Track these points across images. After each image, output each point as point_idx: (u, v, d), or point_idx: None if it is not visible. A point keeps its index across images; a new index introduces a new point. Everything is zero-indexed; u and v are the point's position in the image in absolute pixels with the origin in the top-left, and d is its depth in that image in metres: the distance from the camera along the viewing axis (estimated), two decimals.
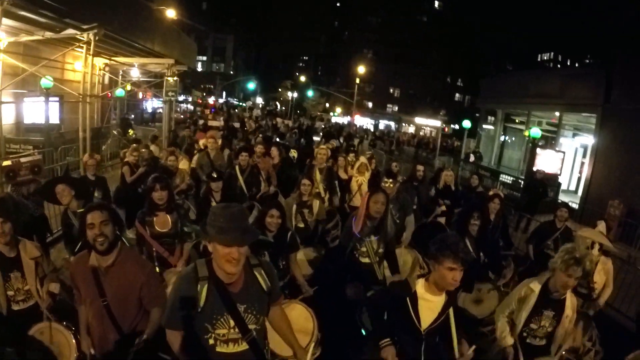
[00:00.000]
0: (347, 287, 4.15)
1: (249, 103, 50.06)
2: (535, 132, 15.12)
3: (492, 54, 32.15)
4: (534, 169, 14.02)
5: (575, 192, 16.82)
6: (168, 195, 4.41)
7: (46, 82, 10.39)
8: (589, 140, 15.94)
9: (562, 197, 15.21)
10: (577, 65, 23.22)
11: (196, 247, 4.59)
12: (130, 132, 16.10)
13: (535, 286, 3.34)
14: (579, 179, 16.96)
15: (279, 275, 3.86)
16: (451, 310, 2.80)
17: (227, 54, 62.09)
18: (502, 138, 22.71)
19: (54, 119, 12.56)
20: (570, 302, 3.31)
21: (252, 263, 2.43)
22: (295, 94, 47.16)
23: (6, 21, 7.97)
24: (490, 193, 6.79)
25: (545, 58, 29.57)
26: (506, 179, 16.93)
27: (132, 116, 22.22)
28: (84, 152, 10.22)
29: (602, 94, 14.15)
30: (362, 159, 7.62)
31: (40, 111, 11.53)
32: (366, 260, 4.30)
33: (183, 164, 7.27)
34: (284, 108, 52.65)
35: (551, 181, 14.62)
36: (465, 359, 2.76)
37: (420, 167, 7.21)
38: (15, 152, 9.79)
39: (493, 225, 5.91)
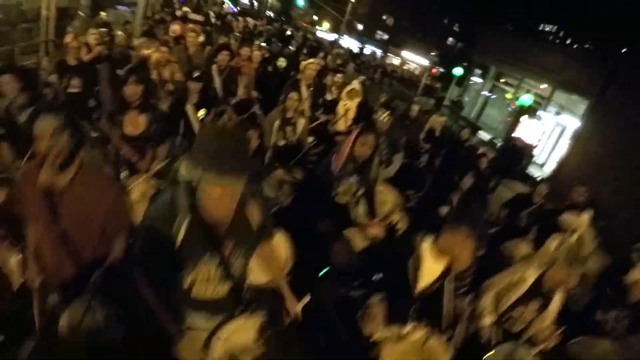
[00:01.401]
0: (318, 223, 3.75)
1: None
2: (525, 99, 14.93)
3: (494, 9, 31.06)
4: (514, 135, 14.01)
5: (543, 165, 16.90)
6: (143, 91, 3.78)
7: None
8: (571, 122, 15.96)
9: (531, 168, 15.39)
10: (575, 46, 22.63)
11: None
12: (102, 14, 14.46)
13: (530, 274, 3.12)
14: (551, 155, 17.01)
15: None
16: (448, 279, 2.60)
17: None
18: (487, 95, 22.41)
19: None
20: (559, 299, 3.14)
21: (244, 195, 1.93)
22: None
23: None
24: (479, 152, 6.56)
25: (546, 29, 28.56)
26: (484, 135, 16.95)
27: None
28: (45, 34, 9.10)
29: (601, 83, 13.94)
30: (355, 84, 7.02)
31: None
32: (343, 199, 3.87)
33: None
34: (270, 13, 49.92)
35: (527, 150, 14.75)
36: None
37: (415, 107, 6.77)
38: None
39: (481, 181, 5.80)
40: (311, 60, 7.03)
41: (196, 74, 4.77)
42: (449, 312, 2.63)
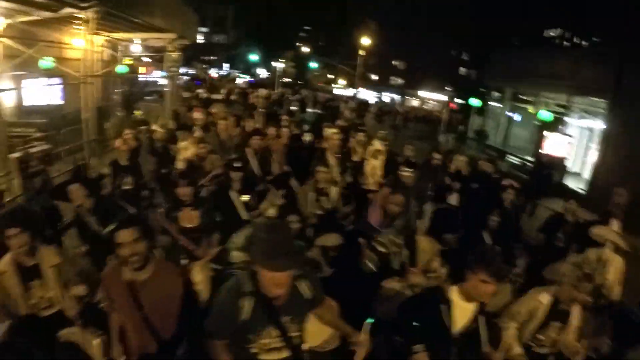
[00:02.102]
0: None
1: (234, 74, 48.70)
2: (545, 114, 14.87)
3: (498, 27, 31.18)
4: (541, 152, 13.96)
5: (579, 174, 16.74)
6: (193, 191, 4.48)
7: (45, 63, 10.28)
8: (597, 124, 15.71)
9: (567, 180, 15.29)
10: (584, 43, 22.40)
11: None
12: (136, 112, 15.78)
13: (544, 298, 3.38)
14: (584, 162, 16.83)
15: None
16: (481, 318, 2.84)
17: (228, 25, 60.86)
18: (509, 117, 22.37)
19: (56, 100, 12.47)
20: (577, 313, 3.34)
21: (295, 275, 2.42)
22: (281, 64, 45.86)
23: (2, 3, 7.82)
24: (505, 183, 6.84)
25: (552, 34, 28.44)
26: (513, 159, 16.83)
27: (134, 92, 21.83)
28: (87, 133, 10.11)
29: (614, 78, 13.71)
30: (377, 145, 7.57)
31: (42, 93, 11.48)
32: (382, 249, 4.20)
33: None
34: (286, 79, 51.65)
35: (558, 165, 14.62)
36: None
37: (437, 155, 7.19)
38: (18, 136, 9.74)
39: (507, 216, 5.95)
40: (334, 130, 7.64)
41: (236, 164, 5.38)
42: (486, 347, 2.85)
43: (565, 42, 26.26)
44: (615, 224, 5.14)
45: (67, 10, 8.98)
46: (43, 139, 10.28)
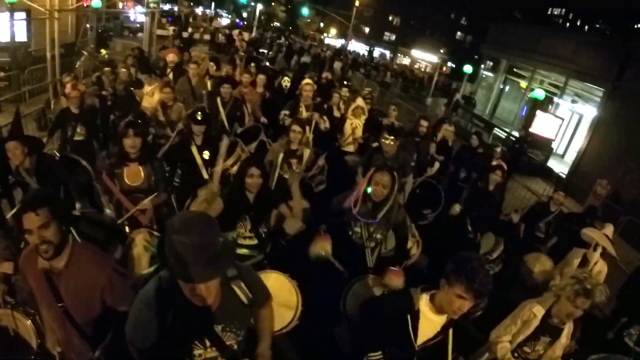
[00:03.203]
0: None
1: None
2: (539, 93, 14.60)
3: None
4: (530, 130, 13.81)
5: (562, 156, 16.58)
6: (142, 144, 3.81)
7: None
8: (588, 110, 15.51)
9: (552, 161, 15.07)
10: (586, 28, 22.05)
11: None
12: (103, 51, 14.67)
13: (539, 311, 3.20)
14: (569, 146, 16.75)
15: (261, 245, 3.62)
16: (450, 331, 2.45)
17: None
18: (501, 88, 21.97)
19: (21, 37, 11.48)
20: (568, 330, 3.21)
21: (229, 276, 2.03)
22: (260, 5, 43.53)
23: None
24: (493, 163, 6.41)
25: (555, 13, 28.01)
26: (499, 132, 16.64)
27: (110, 29, 20.50)
28: (52, 74, 9.22)
29: (616, 69, 13.38)
30: (359, 101, 6.93)
31: (5, 29, 10.47)
32: (358, 241, 3.78)
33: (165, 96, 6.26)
34: (277, 24, 49.68)
35: (543, 145, 14.43)
36: None
37: (424, 123, 6.53)
38: None
39: (491, 198, 5.57)
40: (307, 81, 6.91)
41: (199, 116, 4.60)
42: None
43: (566, 23, 25.92)
44: (608, 229, 4.75)
45: None
46: (5, 79, 9.62)
